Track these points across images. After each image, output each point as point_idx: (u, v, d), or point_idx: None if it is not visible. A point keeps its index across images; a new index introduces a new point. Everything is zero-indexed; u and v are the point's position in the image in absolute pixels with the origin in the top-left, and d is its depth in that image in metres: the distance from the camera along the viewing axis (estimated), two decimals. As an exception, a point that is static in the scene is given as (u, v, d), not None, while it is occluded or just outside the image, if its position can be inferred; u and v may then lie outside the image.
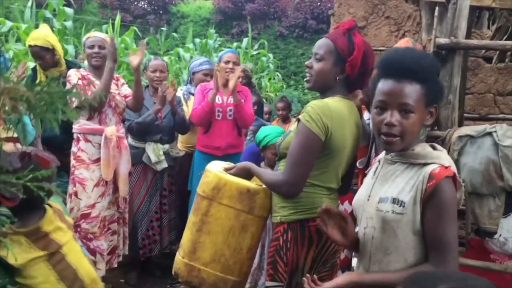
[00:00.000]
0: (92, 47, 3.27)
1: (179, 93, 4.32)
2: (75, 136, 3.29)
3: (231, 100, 3.75)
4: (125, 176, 3.39)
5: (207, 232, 2.03)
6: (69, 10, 7.40)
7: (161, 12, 17.87)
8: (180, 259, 2.08)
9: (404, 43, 3.22)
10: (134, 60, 3.36)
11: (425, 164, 1.48)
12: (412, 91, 1.47)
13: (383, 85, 1.51)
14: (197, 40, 12.85)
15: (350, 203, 3.39)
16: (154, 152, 3.78)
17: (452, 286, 1.05)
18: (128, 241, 3.63)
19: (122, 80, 3.61)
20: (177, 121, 3.85)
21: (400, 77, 1.48)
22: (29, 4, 7.91)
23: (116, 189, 3.37)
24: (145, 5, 18.14)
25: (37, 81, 3.61)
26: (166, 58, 8.17)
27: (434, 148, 1.55)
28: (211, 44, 12.39)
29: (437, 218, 1.42)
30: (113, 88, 3.39)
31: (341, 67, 1.93)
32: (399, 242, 1.49)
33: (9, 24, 7.48)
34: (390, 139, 1.49)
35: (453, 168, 1.47)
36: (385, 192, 1.54)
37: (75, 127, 3.29)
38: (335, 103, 1.90)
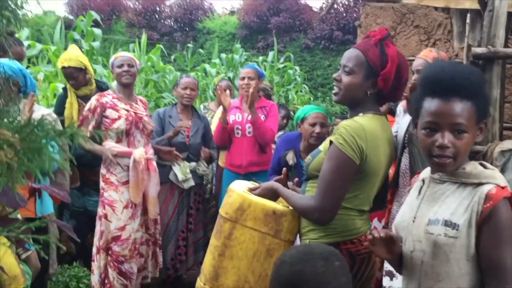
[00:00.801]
0: (121, 66, 3.27)
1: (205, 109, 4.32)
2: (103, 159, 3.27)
3: (250, 116, 3.70)
4: (154, 198, 3.36)
5: (230, 257, 1.93)
6: (97, 31, 7.50)
7: (187, 29, 18.05)
8: (201, 285, 1.98)
9: (427, 53, 3.09)
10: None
11: (479, 184, 1.37)
12: (463, 109, 1.37)
13: (431, 105, 1.41)
14: (223, 55, 12.86)
15: (380, 219, 3.24)
16: (181, 170, 3.75)
17: None
18: (158, 263, 3.55)
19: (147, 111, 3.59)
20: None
21: (450, 95, 1.38)
22: (58, 26, 8.05)
23: (145, 211, 3.32)
24: (172, 23, 18.36)
25: (68, 100, 3.66)
26: (192, 74, 8.18)
27: (484, 166, 1.45)
28: (237, 59, 12.37)
29: (495, 241, 1.32)
30: (140, 110, 3.37)
31: (372, 81, 1.80)
32: (451, 268, 1.38)
33: (39, 46, 7.62)
34: (443, 161, 1.40)
35: (510, 188, 1.37)
36: (435, 214, 1.43)
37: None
38: (369, 123, 1.77)
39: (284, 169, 3.12)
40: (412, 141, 2.08)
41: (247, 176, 3.69)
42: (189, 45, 13.57)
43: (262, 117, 3.75)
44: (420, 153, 2.03)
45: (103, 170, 3.28)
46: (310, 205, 1.75)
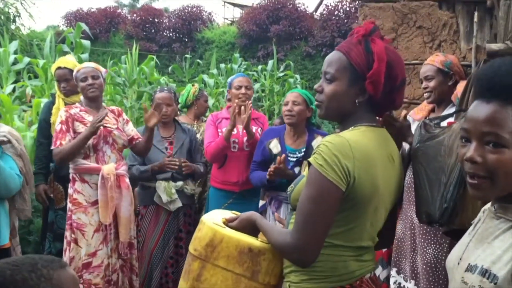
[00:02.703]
0: (85, 79, 2.98)
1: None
2: (70, 176, 2.96)
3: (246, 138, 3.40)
4: (127, 219, 3.03)
5: None
6: (86, 43, 7.21)
7: (186, 39, 17.83)
8: None
9: (433, 57, 2.77)
10: (150, 120, 3.11)
11: None
12: (502, 116, 1.04)
13: (469, 108, 1.10)
14: (222, 65, 12.61)
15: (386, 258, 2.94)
16: (166, 191, 3.44)
17: None
18: None
19: (125, 116, 3.27)
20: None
21: (489, 97, 1.06)
22: (48, 39, 7.80)
23: (117, 234, 3.00)
24: (170, 34, 18.15)
25: (55, 106, 3.51)
26: (197, 86, 7.88)
27: None
28: (236, 69, 12.10)
29: None
30: (111, 123, 3.07)
31: (360, 87, 1.46)
32: None
33: (26, 60, 7.37)
34: (473, 182, 1.07)
35: None
36: (476, 258, 1.08)
37: (71, 167, 2.98)
38: (359, 137, 1.43)
39: (283, 156, 2.88)
40: (416, 156, 1.72)
41: (241, 195, 3.39)
42: (187, 55, 13.32)
43: (260, 130, 3.46)
44: (426, 172, 1.67)
45: (70, 190, 3.00)
46: (287, 243, 1.41)
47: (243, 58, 14.59)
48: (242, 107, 3.29)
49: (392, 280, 2.85)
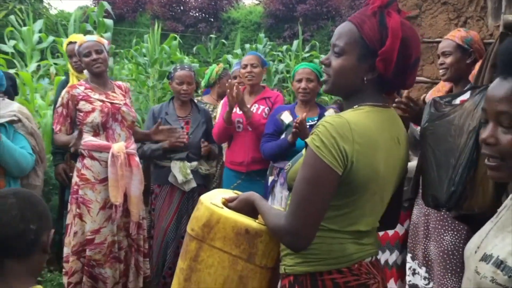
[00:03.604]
0: (88, 54, 2.91)
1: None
2: (79, 152, 2.95)
3: (254, 108, 3.32)
4: (137, 198, 3.00)
5: (197, 283, 1.55)
6: (109, 22, 7.22)
7: (212, 19, 17.71)
8: None
9: (454, 33, 2.63)
10: (156, 136, 3.20)
11: None
12: None
13: (490, 86, 1.03)
14: (247, 45, 12.48)
15: (402, 222, 2.85)
16: (181, 171, 3.41)
17: None
18: (147, 271, 3.23)
19: (130, 95, 3.24)
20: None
21: (507, 74, 0.99)
22: (73, 17, 7.85)
23: (126, 213, 2.98)
24: (196, 14, 18.05)
25: (69, 84, 3.40)
26: (222, 65, 7.83)
27: None
28: (260, 49, 11.95)
29: None
30: (118, 99, 3.02)
31: (370, 63, 1.37)
32: None
33: (50, 39, 7.43)
34: (489, 164, 1.01)
35: None
36: (493, 247, 1.00)
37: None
38: (360, 117, 1.34)
39: (304, 114, 2.84)
40: (425, 136, 1.62)
41: (249, 175, 3.35)
42: (211, 36, 13.23)
43: (267, 109, 3.37)
44: (434, 153, 1.57)
45: (78, 164, 2.98)
46: (280, 225, 1.35)
47: (269, 38, 14.40)
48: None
49: (407, 266, 2.77)
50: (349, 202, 1.35)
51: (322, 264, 1.37)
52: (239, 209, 1.59)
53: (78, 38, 3.53)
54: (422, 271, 2.59)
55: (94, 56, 2.92)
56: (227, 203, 1.65)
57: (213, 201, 1.62)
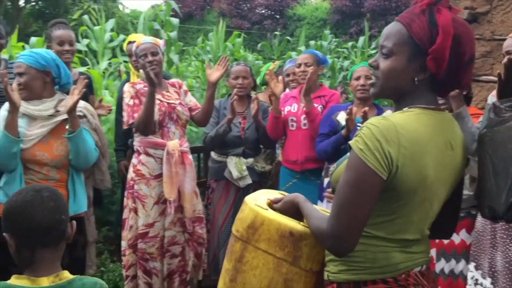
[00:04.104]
0: (144, 56, 2.98)
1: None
2: (135, 148, 3.04)
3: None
4: (190, 195, 3.05)
5: (242, 284, 1.54)
6: (175, 21, 7.42)
7: (277, 16, 17.75)
8: None
9: None
10: (213, 74, 3.11)
11: None
12: None
13: None
14: (312, 42, 12.39)
15: (468, 231, 2.70)
16: (236, 167, 3.43)
17: None
18: (204, 264, 3.27)
19: (185, 87, 3.28)
20: (261, 135, 3.48)
21: None
22: (142, 16, 8.13)
23: (181, 209, 3.04)
24: (262, 11, 18.16)
25: (130, 81, 3.53)
26: (279, 63, 7.86)
27: None
28: (325, 46, 11.83)
29: None
30: (173, 98, 3.09)
31: (420, 63, 1.29)
32: None
33: (121, 37, 7.75)
34: None
35: None
36: None
37: (136, 140, 3.05)
38: (408, 120, 1.27)
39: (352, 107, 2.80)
40: (483, 143, 1.52)
41: (304, 175, 3.31)
42: (276, 32, 13.25)
43: (320, 108, 3.31)
44: (492, 161, 1.46)
45: (134, 160, 3.05)
46: (322, 229, 1.30)
47: (334, 34, 14.24)
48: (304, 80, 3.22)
49: (469, 275, 2.63)
50: (395, 208, 1.29)
51: (366, 273, 1.32)
52: (284, 210, 1.57)
53: (138, 37, 3.62)
54: (487, 282, 2.44)
55: (150, 58, 2.97)
56: (272, 204, 1.63)
57: (257, 202, 1.60)
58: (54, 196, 1.46)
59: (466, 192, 2.23)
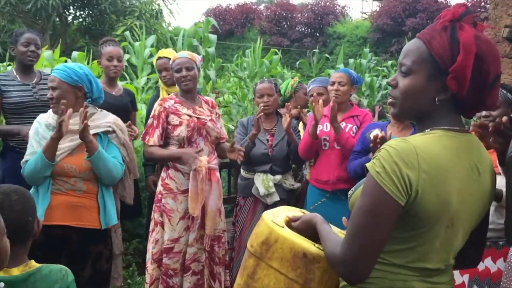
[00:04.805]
0: (179, 70, 3.02)
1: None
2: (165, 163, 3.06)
3: (341, 126, 3.23)
4: (214, 212, 3.02)
5: None
6: (213, 37, 7.54)
7: (317, 34, 17.77)
8: None
9: None
10: (230, 155, 3.09)
11: None
12: None
13: None
14: (351, 60, 12.30)
15: (494, 259, 2.57)
16: (263, 183, 3.41)
17: None
18: (222, 284, 3.22)
19: (218, 111, 3.28)
20: (292, 150, 3.42)
21: None
22: (181, 33, 8.30)
23: (203, 225, 3.03)
24: (302, 28, 18.24)
25: (160, 98, 3.55)
26: (297, 78, 7.81)
27: None
28: (364, 64, 11.72)
29: None
30: (204, 114, 3.09)
31: (441, 82, 1.23)
32: None
33: (159, 53, 7.91)
34: None
35: None
36: None
37: None
38: (429, 142, 1.21)
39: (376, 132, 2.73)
40: (511, 166, 1.43)
41: (334, 194, 3.26)
42: (315, 50, 13.24)
43: (354, 128, 3.26)
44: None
45: (163, 174, 3.07)
46: (335, 254, 1.25)
47: (374, 53, 14.11)
48: (331, 102, 3.15)
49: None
50: (416, 235, 1.23)
51: None
52: (301, 230, 1.52)
53: (168, 53, 3.69)
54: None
55: (184, 73, 3.00)
56: (290, 222, 1.60)
57: (275, 218, 1.57)
58: (22, 199, 1.60)
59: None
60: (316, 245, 1.47)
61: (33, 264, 1.64)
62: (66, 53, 8.50)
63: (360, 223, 1.20)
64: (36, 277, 1.62)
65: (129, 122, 3.13)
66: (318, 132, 3.26)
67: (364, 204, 1.20)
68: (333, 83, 3.33)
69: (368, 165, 1.23)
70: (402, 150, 1.18)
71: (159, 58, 3.71)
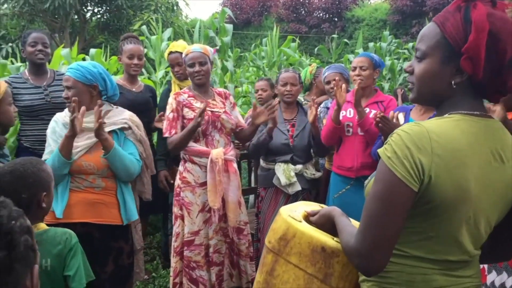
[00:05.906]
0: (192, 65, 2.99)
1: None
2: (181, 156, 3.04)
3: (366, 110, 3.15)
4: (235, 204, 3.01)
5: None
6: (229, 27, 7.46)
7: (335, 19, 17.52)
8: None
9: None
10: (258, 118, 3.07)
11: None
12: None
13: None
14: (371, 44, 12.07)
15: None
16: (284, 173, 3.37)
17: None
18: (245, 275, 3.19)
19: (232, 100, 3.24)
20: (316, 143, 3.36)
21: None
22: (198, 25, 8.26)
23: (224, 218, 3.02)
24: (320, 14, 18.00)
25: (171, 93, 3.54)
26: (315, 64, 7.69)
27: None
28: (384, 47, 11.48)
29: None
30: (218, 107, 3.07)
31: (456, 65, 1.18)
32: None
33: (176, 46, 7.88)
34: None
35: None
36: None
37: None
38: (445, 126, 1.16)
39: (397, 113, 2.65)
40: None
41: (358, 181, 3.18)
42: (333, 35, 13.03)
43: (379, 113, 3.19)
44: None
45: (180, 167, 3.06)
46: (350, 246, 1.21)
47: (394, 35, 13.81)
48: (356, 86, 3.07)
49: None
50: (434, 224, 1.18)
51: None
52: (320, 224, 1.48)
53: (179, 46, 3.63)
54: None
55: (197, 68, 2.98)
56: (308, 217, 1.56)
57: (292, 213, 1.54)
58: (14, 180, 1.71)
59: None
60: (335, 239, 1.43)
61: (42, 226, 1.85)
62: (86, 49, 8.54)
63: (373, 211, 1.15)
64: (43, 238, 1.81)
65: (162, 112, 3.13)
66: (341, 118, 3.20)
67: (376, 191, 1.16)
68: (354, 68, 3.25)
69: (379, 150, 1.19)
70: (415, 134, 1.13)
71: (171, 52, 3.66)
